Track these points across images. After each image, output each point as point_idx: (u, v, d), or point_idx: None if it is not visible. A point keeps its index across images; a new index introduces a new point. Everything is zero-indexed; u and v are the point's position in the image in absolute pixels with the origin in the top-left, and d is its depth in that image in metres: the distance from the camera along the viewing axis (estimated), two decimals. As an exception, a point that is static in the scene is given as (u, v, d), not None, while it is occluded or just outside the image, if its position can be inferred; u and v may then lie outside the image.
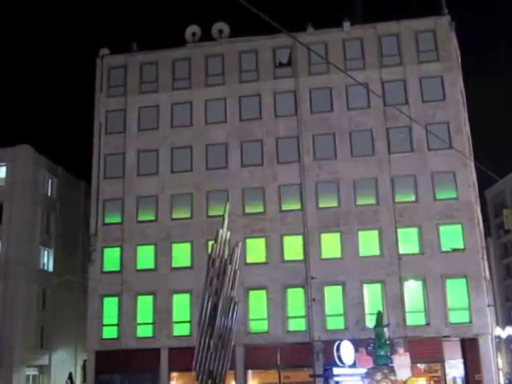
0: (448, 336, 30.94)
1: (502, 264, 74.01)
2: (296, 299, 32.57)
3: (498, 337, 37.86)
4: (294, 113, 35.11)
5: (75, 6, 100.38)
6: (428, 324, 31.24)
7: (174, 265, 34.04)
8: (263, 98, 35.64)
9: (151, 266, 34.31)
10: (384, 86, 34.19)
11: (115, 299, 34.06)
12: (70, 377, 39.19)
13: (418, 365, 29.67)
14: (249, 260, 32.46)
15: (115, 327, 33.74)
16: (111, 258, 34.82)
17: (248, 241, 32.51)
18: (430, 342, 30.53)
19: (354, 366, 26.40)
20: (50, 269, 44.09)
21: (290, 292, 32.73)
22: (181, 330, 32.79)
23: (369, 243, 32.54)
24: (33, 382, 41.24)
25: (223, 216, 19.21)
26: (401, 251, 32.14)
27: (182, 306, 33.18)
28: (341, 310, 31.99)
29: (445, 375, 30.76)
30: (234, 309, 19.02)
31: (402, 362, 22.15)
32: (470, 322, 30.98)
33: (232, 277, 18.95)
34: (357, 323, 31.25)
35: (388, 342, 22.90)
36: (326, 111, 34.84)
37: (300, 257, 32.91)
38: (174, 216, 34.69)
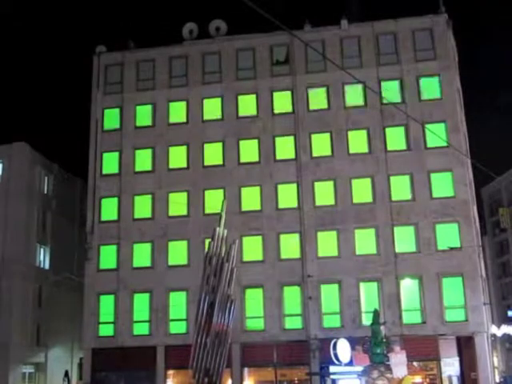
0: (444, 334, 31.02)
1: (498, 262, 74.33)
2: (292, 297, 32.59)
3: (494, 335, 37.99)
4: (290, 111, 35.10)
5: (72, 4, 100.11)
6: (424, 322, 31.32)
7: (170, 263, 34.01)
8: (260, 95, 35.61)
9: (148, 263, 34.28)
10: (381, 85, 34.20)
11: (111, 297, 34.01)
12: (66, 374, 39.15)
13: (414, 363, 29.75)
14: (245, 258, 32.47)
15: (111, 325, 33.71)
16: (108, 256, 34.76)
17: (245, 239, 32.43)
18: (426, 340, 30.60)
19: (350, 364, 26.43)
20: (47, 266, 44.00)
21: (287, 290, 32.75)
22: (177, 327, 32.79)
23: (365, 241, 32.57)
24: (29, 379, 41.18)
25: (220, 214, 19.23)
26: (397, 249, 32.19)
27: (178, 303, 33.18)
28: (337, 308, 32.03)
29: (440, 373, 30.82)
30: (230, 307, 19.04)
31: (398, 360, 22.17)
32: (466, 320, 31.06)
33: (229, 275, 18.98)
34: (353, 321, 31.31)
35: (384, 340, 22.92)
36: (323, 109, 34.84)
37: (297, 255, 32.93)
38: (171, 214, 34.66)
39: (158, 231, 34.34)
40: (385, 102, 32.43)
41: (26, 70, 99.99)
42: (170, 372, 32.97)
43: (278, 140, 34.77)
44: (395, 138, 33.82)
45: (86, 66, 38.16)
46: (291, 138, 34.61)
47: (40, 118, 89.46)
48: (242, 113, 35.65)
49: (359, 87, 34.00)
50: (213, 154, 35.16)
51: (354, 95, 34.48)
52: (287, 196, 33.85)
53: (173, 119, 36.29)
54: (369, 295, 31.99)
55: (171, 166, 35.48)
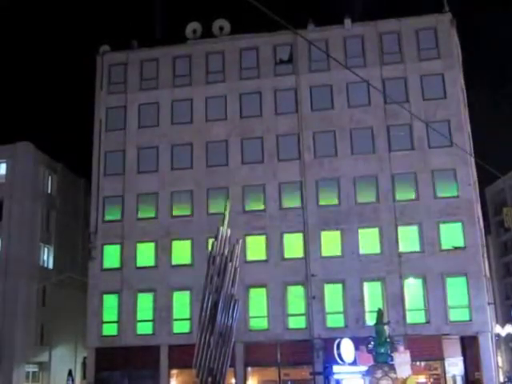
0: (448, 334, 30.95)
1: (502, 262, 74.20)
2: (296, 297, 32.57)
3: (498, 335, 37.91)
4: (294, 110, 35.06)
5: (75, 3, 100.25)
6: (428, 322, 31.25)
7: (174, 262, 34.03)
8: (264, 95, 35.59)
9: (151, 263, 34.31)
10: (385, 84, 34.12)
11: (115, 296, 34.06)
12: (70, 373, 39.25)
13: (418, 362, 29.67)
14: (249, 257, 32.44)
15: (115, 324, 33.76)
16: (111, 255, 34.82)
17: (248, 238, 32.47)
18: (429, 339, 30.53)
19: (354, 363, 26.42)
20: (50, 266, 44.08)
21: (290, 289, 32.73)
22: (181, 327, 32.79)
23: (369, 241, 32.52)
24: (33, 378, 41.27)
25: (223, 213, 19.24)
26: (401, 249, 32.14)
27: (182, 303, 33.20)
28: (341, 308, 31.99)
29: (444, 373, 30.74)
30: (234, 306, 19.05)
31: (402, 360, 22.11)
32: (470, 320, 30.98)
33: (232, 274, 18.99)
34: (357, 321, 31.26)
35: (388, 340, 22.88)
36: (327, 109, 34.79)
37: (300, 254, 32.90)
38: (174, 213, 34.67)
39: (162, 231, 34.36)
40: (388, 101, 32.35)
41: (30, 69, 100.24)
42: (174, 371, 33.00)
43: (282, 139, 34.75)
44: (399, 138, 33.74)
45: (90, 66, 38.22)
46: (295, 138, 34.58)
47: (44, 118, 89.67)
48: (245, 112, 35.62)
49: (363, 86, 33.91)
50: (216, 153, 35.16)
51: (357, 94, 34.40)
52: (291, 195, 33.83)
53: (176, 119, 36.29)
54: (372, 295, 31.94)
55: (175, 165, 35.50)
